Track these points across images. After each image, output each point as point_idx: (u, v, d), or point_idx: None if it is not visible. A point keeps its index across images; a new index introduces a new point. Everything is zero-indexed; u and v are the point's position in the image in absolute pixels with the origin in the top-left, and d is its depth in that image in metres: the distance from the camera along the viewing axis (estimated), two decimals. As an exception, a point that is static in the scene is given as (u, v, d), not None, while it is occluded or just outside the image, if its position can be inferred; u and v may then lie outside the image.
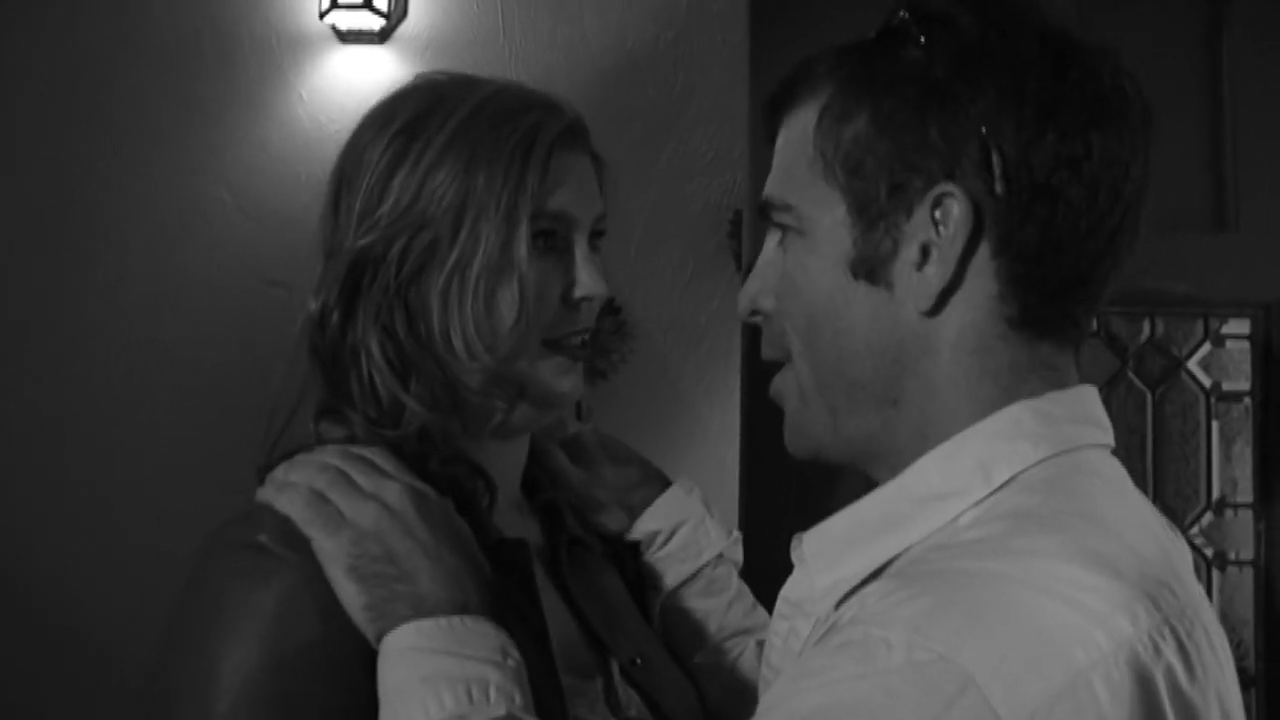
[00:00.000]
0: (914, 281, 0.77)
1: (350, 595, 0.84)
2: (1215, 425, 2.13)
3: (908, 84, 0.76)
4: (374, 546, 0.84)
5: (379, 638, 0.83)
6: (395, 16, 2.08)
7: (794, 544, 0.83)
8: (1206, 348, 2.14)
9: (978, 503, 0.75)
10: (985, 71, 0.75)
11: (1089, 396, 0.80)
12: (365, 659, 0.86)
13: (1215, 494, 2.13)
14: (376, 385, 0.96)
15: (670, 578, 1.15)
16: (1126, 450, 2.13)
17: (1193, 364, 2.14)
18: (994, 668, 0.64)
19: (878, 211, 0.77)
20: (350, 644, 0.87)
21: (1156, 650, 0.67)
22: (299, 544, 0.87)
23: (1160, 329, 2.13)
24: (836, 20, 1.93)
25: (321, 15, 2.04)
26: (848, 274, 0.79)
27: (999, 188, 0.74)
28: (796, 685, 0.70)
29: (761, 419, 2.06)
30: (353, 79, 2.09)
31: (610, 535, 1.15)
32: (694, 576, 1.16)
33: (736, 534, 1.19)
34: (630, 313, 2.08)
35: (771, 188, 0.84)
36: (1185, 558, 0.80)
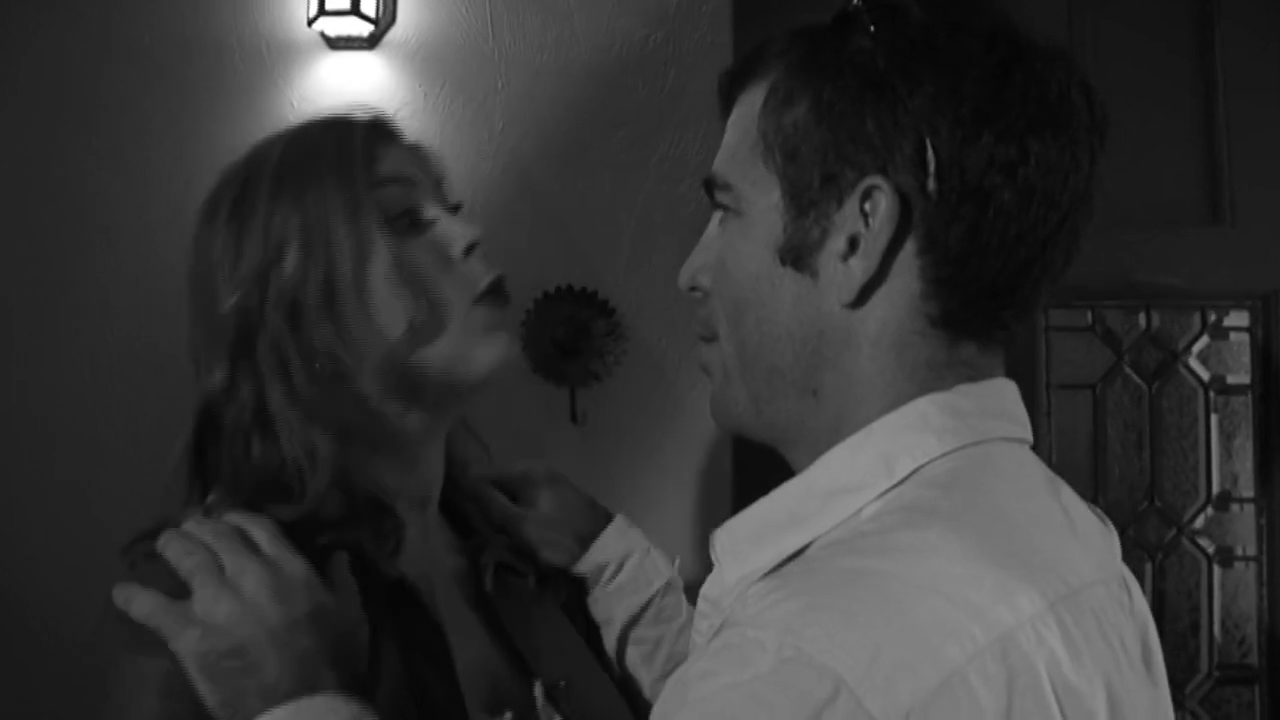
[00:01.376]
0: (838, 273, 0.76)
1: (205, 692, 0.83)
2: (1215, 419, 2.12)
3: (850, 73, 0.76)
4: (222, 642, 0.83)
5: None
6: (384, 22, 2.07)
7: (711, 541, 0.84)
8: (1205, 340, 2.13)
9: (880, 495, 0.75)
10: (926, 67, 0.74)
11: (1004, 389, 0.81)
12: None
13: (1216, 489, 2.12)
14: (283, 444, 0.97)
15: (623, 610, 1.16)
16: (1123, 446, 2.12)
17: (1190, 357, 2.13)
18: (865, 669, 0.63)
19: (809, 199, 0.77)
20: None
21: (1039, 638, 0.67)
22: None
23: (1156, 322, 2.12)
24: (818, 20, 1.93)
25: (310, 22, 2.03)
26: (776, 259, 0.79)
27: (930, 185, 0.74)
28: (680, 697, 0.69)
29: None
30: (343, 85, 2.09)
31: (550, 566, 1.15)
32: (645, 606, 1.17)
33: (679, 560, 1.20)
34: (623, 315, 2.07)
35: (717, 165, 0.84)
36: (1108, 550, 0.81)
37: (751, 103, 0.81)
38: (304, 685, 0.83)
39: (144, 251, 2.06)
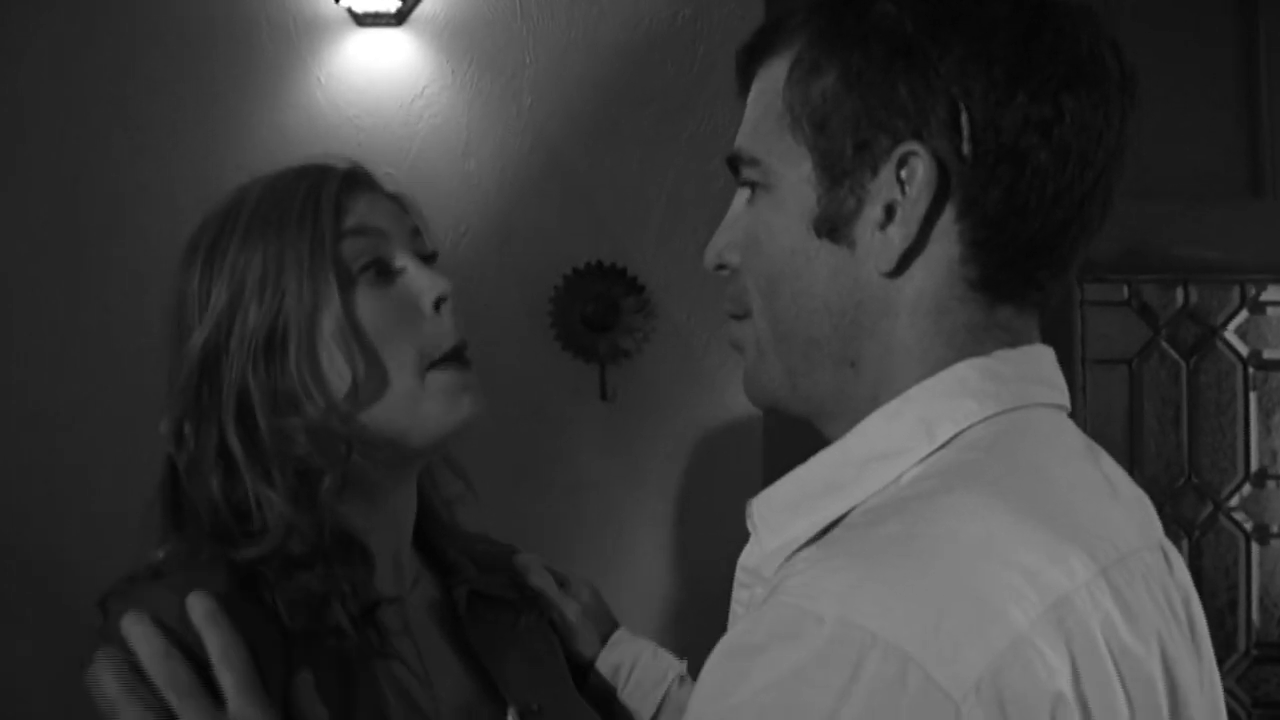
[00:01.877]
0: (876, 241, 0.76)
1: None
2: (1253, 396, 2.09)
3: (878, 40, 0.75)
4: None
5: None
6: (411, -1, 2.06)
7: (747, 511, 0.83)
8: (1243, 315, 2.10)
9: (920, 461, 0.75)
10: (956, 30, 0.73)
11: (1042, 355, 0.80)
12: None
13: (1254, 466, 2.10)
14: (245, 482, 0.98)
15: (646, 708, 1.18)
16: (1160, 422, 2.10)
17: (1229, 332, 2.10)
18: (928, 639, 0.62)
19: (843, 169, 0.76)
20: None
21: (1094, 601, 0.67)
22: (154, 651, 0.89)
23: (1194, 297, 2.09)
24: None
25: (337, -1, 2.03)
26: (810, 232, 0.78)
27: (966, 149, 0.73)
28: (734, 670, 0.67)
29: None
30: (370, 62, 2.08)
31: (526, 594, 1.18)
32: (663, 701, 1.20)
33: (685, 661, 1.22)
34: (653, 291, 2.07)
35: (741, 141, 0.83)
36: (1147, 518, 0.80)
37: (774, 76, 0.80)
38: None
39: (174, 237, 2.05)
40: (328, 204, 1.01)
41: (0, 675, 2.01)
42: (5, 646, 2.01)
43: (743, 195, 0.85)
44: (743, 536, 2.18)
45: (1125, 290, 2.05)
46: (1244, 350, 2.10)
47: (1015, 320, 0.78)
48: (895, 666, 0.61)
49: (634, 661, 1.21)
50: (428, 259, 1.07)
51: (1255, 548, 2.10)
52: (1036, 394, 0.78)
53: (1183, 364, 2.10)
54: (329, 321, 0.98)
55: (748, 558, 0.85)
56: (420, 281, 1.02)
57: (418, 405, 1.00)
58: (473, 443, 1.21)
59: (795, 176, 0.78)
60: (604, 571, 2.04)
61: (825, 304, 0.78)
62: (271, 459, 0.98)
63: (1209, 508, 2.08)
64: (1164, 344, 2.08)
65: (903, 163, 0.74)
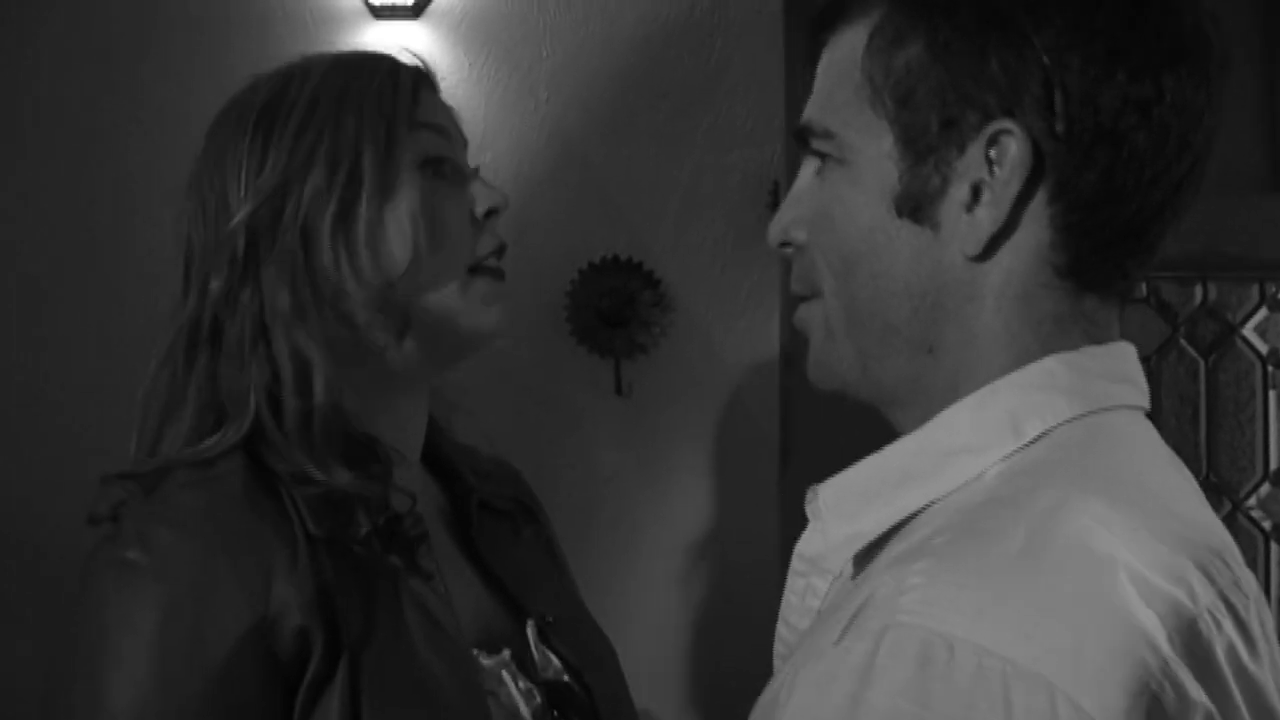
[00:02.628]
0: (962, 223, 0.72)
1: None
2: (1273, 394, 2.07)
3: (968, 9, 0.71)
4: None
5: None
6: (428, -9, 2.06)
7: (809, 496, 0.80)
8: (1263, 313, 2.08)
9: (1006, 457, 0.71)
10: (1053, 5, 0.69)
11: (1127, 354, 0.77)
12: (249, 659, 0.87)
13: (1273, 464, 2.08)
14: (277, 357, 0.97)
15: None
16: (1178, 420, 2.08)
17: (1248, 330, 2.08)
18: (1073, 667, 0.58)
19: (928, 145, 0.72)
20: (232, 645, 0.87)
21: (1218, 626, 0.63)
22: (167, 551, 0.89)
23: (1213, 294, 2.08)
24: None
25: (354, -10, 2.03)
26: (891, 210, 0.74)
27: (1060, 128, 0.69)
28: (841, 694, 0.61)
29: (801, 393, 2.03)
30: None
31: (529, 505, 1.18)
32: None
33: None
34: (669, 286, 2.07)
35: (812, 112, 0.79)
36: (1223, 529, 0.75)
37: (851, 44, 0.76)
38: None
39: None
40: (405, 90, 1.01)
41: (0, 675, 2.01)
42: (5, 646, 2.01)
43: (810, 167, 0.81)
44: (758, 531, 2.17)
45: (1144, 287, 2.03)
46: (1263, 348, 2.08)
47: (1099, 311, 0.75)
48: (1044, 699, 0.57)
49: None
50: (476, 170, 1.09)
51: (1274, 547, 2.08)
52: (1122, 394, 0.74)
53: (1201, 362, 2.08)
54: (401, 203, 0.99)
55: (807, 545, 0.81)
56: (481, 190, 1.04)
57: (465, 303, 1.02)
58: (487, 435, 1.21)
59: (875, 151, 0.74)
60: (617, 566, 2.04)
61: (906, 286, 0.74)
62: (310, 337, 0.98)
63: (1227, 506, 2.07)
64: (1182, 341, 2.07)
65: (993, 141, 0.71)
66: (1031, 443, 0.71)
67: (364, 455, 0.99)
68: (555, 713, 1.01)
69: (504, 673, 0.99)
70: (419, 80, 1.05)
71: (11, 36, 2.07)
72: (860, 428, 1.88)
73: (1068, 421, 0.71)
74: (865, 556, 0.75)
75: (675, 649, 2.05)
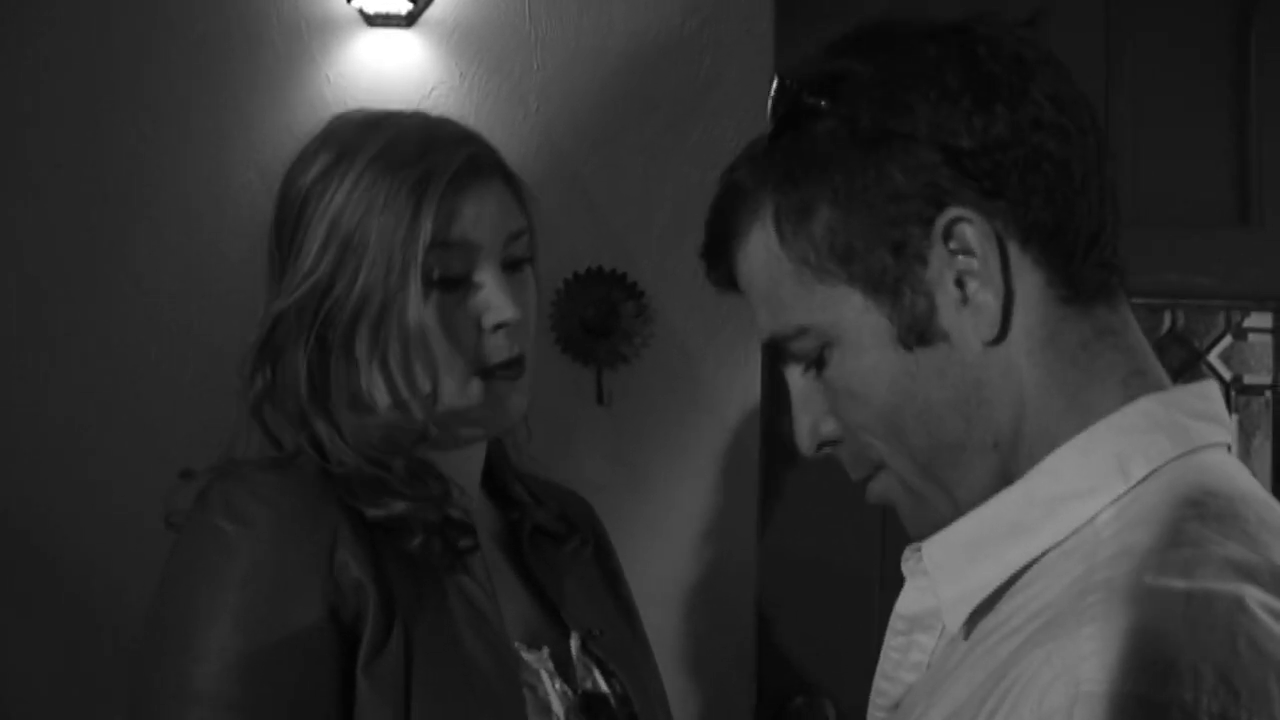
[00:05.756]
0: (966, 318, 0.73)
1: None
2: (1235, 419, 2.12)
3: (845, 150, 0.73)
4: None
5: None
6: (423, 1, 2.09)
7: (907, 555, 0.80)
8: (1228, 340, 2.13)
9: (1115, 500, 0.70)
10: (907, 95, 0.72)
11: (1213, 392, 0.77)
12: (317, 617, 0.96)
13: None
14: (318, 426, 1.05)
15: None
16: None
17: (1213, 356, 2.13)
18: (1261, 708, 0.57)
19: (894, 278, 0.73)
20: (305, 601, 0.96)
21: None
22: (249, 518, 0.98)
23: (1181, 321, 2.13)
24: (858, 8, 1.94)
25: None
26: (900, 351, 0.74)
27: (988, 185, 0.71)
28: None
29: (782, 405, 2.07)
30: (379, 63, 2.11)
31: (580, 528, 1.23)
32: None
33: None
34: (652, 298, 2.09)
35: (771, 323, 0.80)
36: None
37: (761, 246, 0.78)
38: None
39: (184, 229, 2.08)
40: (430, 204, 1.02)
41: (11, 675, 2.02)
42: (17, 646, 2.03)
43: (795, 371, 0.81)
44: (737, 539, 2.20)
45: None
46: (1227, 374, 2.13)
47: (1112, 318, 0.75)
48: None
49: None
50: (522, 263, 1.09)
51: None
52: (1212, 433, 0.74)
53: (1169, 386, 2.12)
54: (414, 322, 1.02)
55: (907, 605, 0.81)
56: (493, 300, 1.05)
57: (474, 404, 1.06)
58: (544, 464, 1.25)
59: (853, 314, 0.75)
60: (595, 571, 2.07)
61: (950, 405, 0.74)
62: (341, 419, 1.05)
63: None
64: (1151, 366, 2.11)
65: (947, 235, 0.72)
66: (1139, 484, 0.70)
67: (421, 477, 1.05)
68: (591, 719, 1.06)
69: (542, 670, 1.04)
70: (460, 171, 1.04)
71: (11, 40, 2.08)
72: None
73: (1173, 460, 0.71)
74: (978, 611, 0.75)
75: (656, 654, 2.07)
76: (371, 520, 1.01)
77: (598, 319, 2.05)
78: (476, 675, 0.98)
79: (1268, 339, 2.11)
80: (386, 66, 2.10)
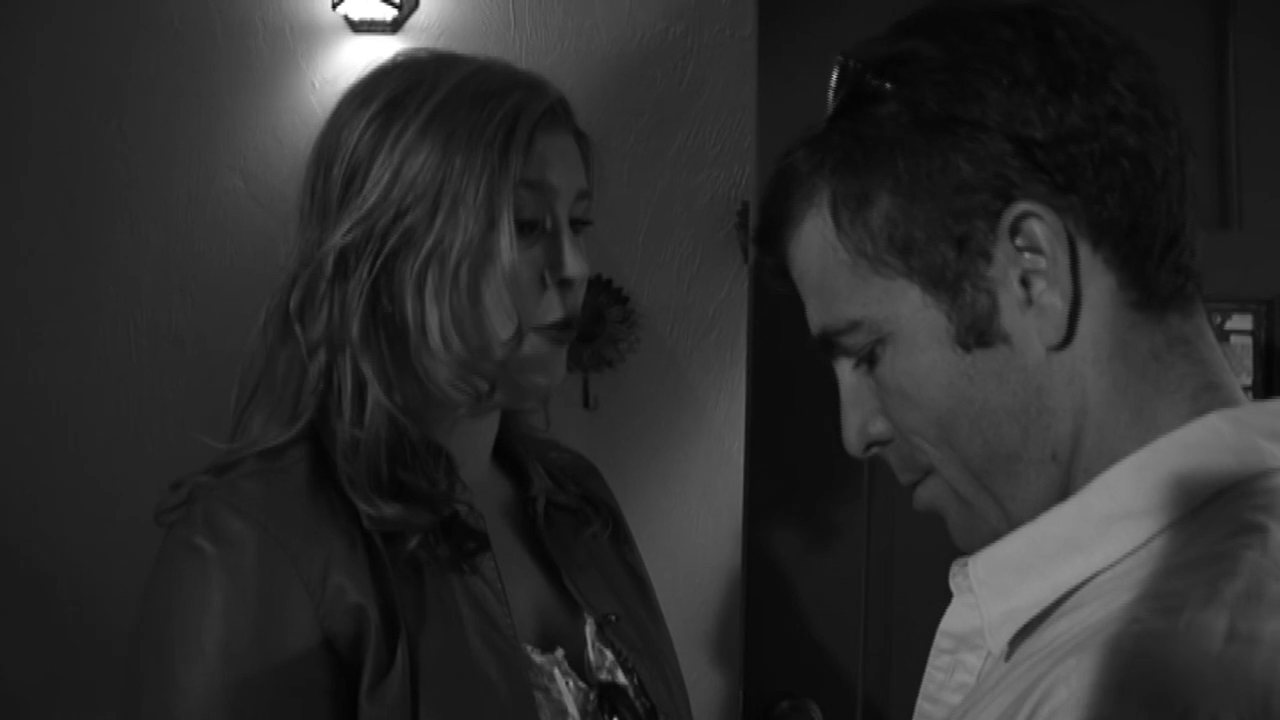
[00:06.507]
0: (1030, 320, 0.69)
1: None
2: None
3: (909, 136, 0.69)
4: None
5: None
6: (407, 7, 2.10)
7: (954, 571, 0.75)
8: (1210, 343, 2.14)
9: (1174, 523, 0.65)
10: (977, 79, 0.68)
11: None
12: (308, 643, 0.91)
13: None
14: (344, 376, 0.97)
15: None
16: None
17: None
18: None
19: (955, 275, 0.69)
20: (295, 628, 0.91)
21: None
22: (232, 538, 0.92)
23: (1164, 323, 2.13)
24: (843, 14, 1.95)
25: (334, 5, 2.06)
26: (957, 351, 0.70)
27: (1060, 179, 0.67)
28: None
29: (766, 410, 2.07)
30: (364, 68, 2.10)
31: (598, 503, 1.17)
32: None
33: None
34: (638, 302, 2.10)
35: (823, 316, 0.75)
36: None
37: (816, 234, 0.74)
38: None
39: (168, 232, 2.09)
40: (520, 139, 0.95)
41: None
42: (5, 647, 2.03)
43: (845, 366, 0.77)
44: (722, 542, 2.20)
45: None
46: (1209, 376, 2.14)
47: (1186, 326, 0.70)
48: None
49: None
50: (583, 224, 1.03)
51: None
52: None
53: (1151, 388, 2.13)
54: (500, 270, 0.95)
55: (955, 623, 0.76)
56: (564, 254, 0.99)
57: (519, 363, 0.99)
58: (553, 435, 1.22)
59: (909, 309, 0.71)
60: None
61: (1008, 411, 0.70)
62: (379, 369, 0.96)
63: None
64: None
65: (1014, 231, 0.68)
66: (1204, 505, 0.66)
67: (422, 468, 0.98)
68: (609, 714, 1.01)
69: (556, 670, 1.00)
70: (544, 117, 0.98)
71: (-4, 46, 2.09)
72: (819, 443, 1.92)
73: (1239, 483, 0.66)
74: (1023, 633, 0.70)
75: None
76: (369, 526, 0.95)
77: (583, 324, 2.05)
78: (485, 688, 0.94)
79: (1249, 341, 2.12)
80: (371, 72, 2.10)
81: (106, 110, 2.10)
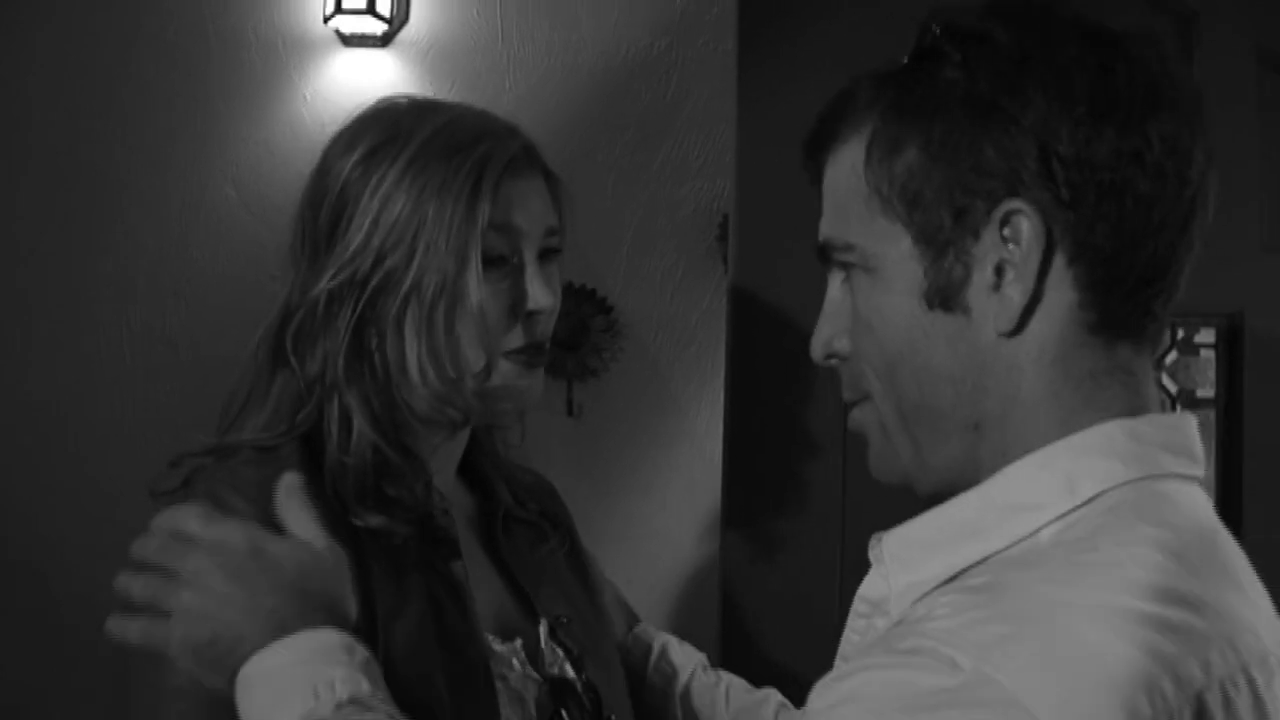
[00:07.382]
0: (992, 303, 0.75)
1: (210, 681, 0.90)
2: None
3: (954, 106, 0.74)
4: (198, 632, 0.88)
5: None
6: (397, 21, 2.13)
7: (872, 543, 0.82)
8: (1174, 355, 2.18)
9: (1060, 517, 0.73)
10: (1030, 80, 0.73)
11: (1186, 425, 0.79)
12: None
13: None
14: (330, 408, 1.05)
15: (675, 685, 1.26)
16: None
17: (1161, 372, 2.18)
18: (1056, 711, 0.62)
19: (945, 239, 0.75)
20: None
21: (1226, 701, 0.65)
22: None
23: (1129, 336, 2.18)
24: (824, 30, 1.98)
25: (326, 19, 2.10)
26: (922, 305, 0.77)
27: (1065, 194, 0.72)
28: (861, 684, 0.69)
29: (745, 419, 2.11)
30: (355, 82, 2.14)
31: (553, 519, 1.26)
32: (689, 681, 1.27)
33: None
34: (621, 313, 2.14)
35: (829, 229, 0.82)
36: (1266, 600, 0.76)
37: (850, 160, 0.80)
38: (275, 634, 0.87)
39: (162, 238, 2.12)
40: (488, 186, 1.03)
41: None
42: (4, 646, 2.05)
43: (836, 280, 0.84)
44: (702, 548, 2.22)
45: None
46: (1174, 388, 2.18)
47: (1134, 360, 0.77)
48: None
49: (662, 645, 1.29)
50: (553, 254, 1.11)
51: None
52: (1177, 464, 0.76)
53: (1119, 399, 2.17)
54: (471, 306, 1.03)
55: (870, 589, 0.84)
56: (532, 286, 1.07)
57: (491, 388, 1.07)
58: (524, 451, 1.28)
59: (896, 254, 0.77)
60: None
61: (948, 374, 0.77)
62: (363, 402, 1.04)
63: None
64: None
65: (1005, 222, 0.74)
66: (1085, 504, 0.73)
67: (404, 481, 1.06)
68: (558, 706, 1.08)
69: (514, 660, 1.07)
70: (511, 164, 1.06)
71: (-7, 56, 2.12)
72: (799, 454, 1.95)
73: (1122, 485, 0.73)
74: (920, 602, 0.78)
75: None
76: (356, 523, 1.02)
77: (567, 333, 2.09)
78: (449, 668, 1.01)
79: (1213, 354, 2.16)
80: (362, 85, 2.13)
81: (101, 123, 2.13)
